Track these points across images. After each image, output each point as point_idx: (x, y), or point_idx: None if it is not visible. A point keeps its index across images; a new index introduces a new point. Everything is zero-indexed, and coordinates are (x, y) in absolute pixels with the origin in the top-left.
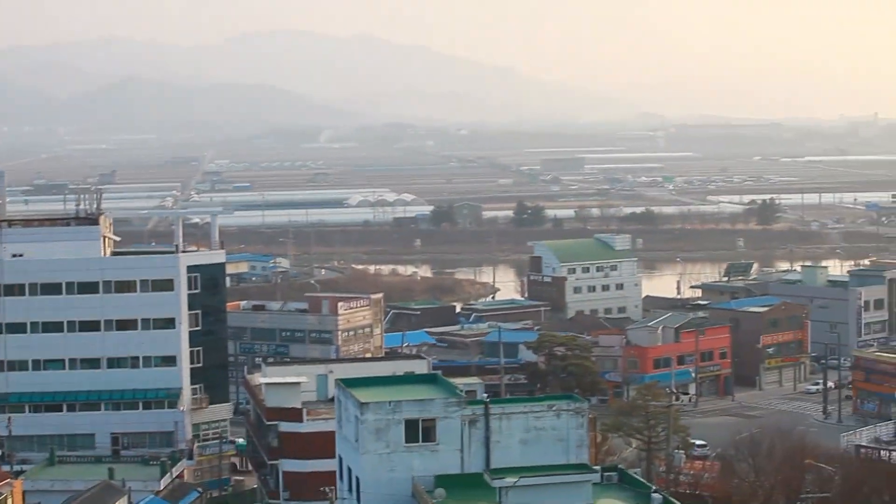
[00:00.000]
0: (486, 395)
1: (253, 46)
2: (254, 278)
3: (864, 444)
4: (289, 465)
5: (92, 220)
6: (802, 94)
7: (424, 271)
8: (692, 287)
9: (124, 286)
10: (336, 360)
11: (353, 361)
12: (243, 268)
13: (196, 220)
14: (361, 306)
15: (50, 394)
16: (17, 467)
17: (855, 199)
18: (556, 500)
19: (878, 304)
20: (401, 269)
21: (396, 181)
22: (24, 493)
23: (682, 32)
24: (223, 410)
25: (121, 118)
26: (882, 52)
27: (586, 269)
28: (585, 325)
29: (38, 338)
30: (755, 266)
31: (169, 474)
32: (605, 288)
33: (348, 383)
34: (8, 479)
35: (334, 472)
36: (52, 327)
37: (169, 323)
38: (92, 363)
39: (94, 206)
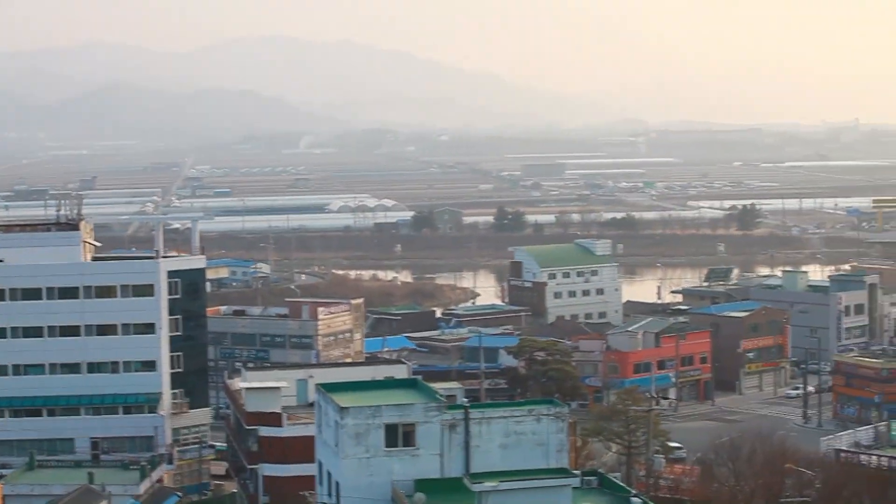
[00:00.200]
0: (466, 399)
1: (235, 52)
2: (234, 283)
3: (844, 448)
4: (269, 469)
5: (72, 225)
6: (783, 99)
7: (405, 276)
8: (673, 292)
9: (105, 291)
10: (316, 365)
11: (334, 366)
12: (224, 273)
13: (176, 225)
14: (342, 311)
15: (30, 398)
16: None
17: (836, 205)
18: None
19: (859, 309)
20: (381, 274)
21: (377, 186)
22: (3, 497)
23: (663, 38)
24: (203, 415)
25: (102, 124)
26: (863, 57)
27: (567, 275)
28: (566, 330)
29: (18, 343)
30: (736, 271)
31: (148, 479)
32: (586, 293)
33: (328, 388)
34: None
35: (314, 476)
36: (33, 332)
37: (149, 328)
38: (72, 368)
39: (75, 211)
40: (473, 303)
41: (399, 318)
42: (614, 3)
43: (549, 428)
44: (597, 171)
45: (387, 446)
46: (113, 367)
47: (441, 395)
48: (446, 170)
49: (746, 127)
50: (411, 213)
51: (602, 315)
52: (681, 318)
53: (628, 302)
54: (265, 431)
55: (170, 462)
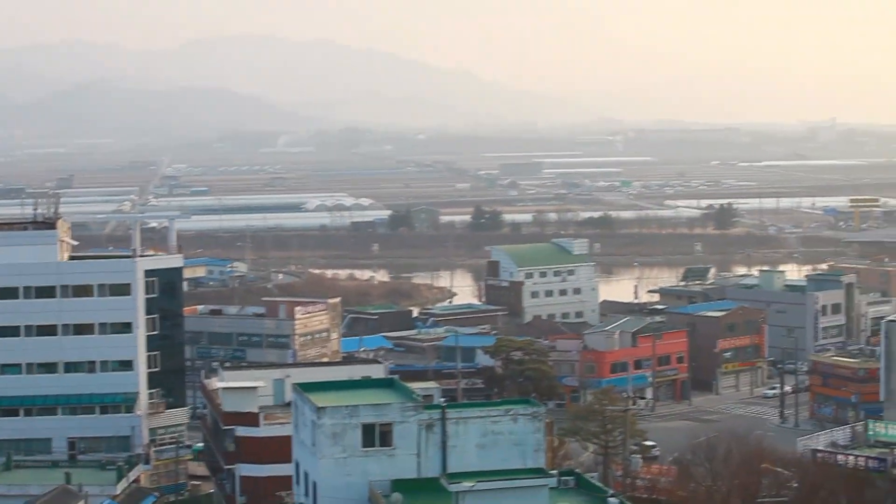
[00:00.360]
0: (442, 399)
1: (211, 51)
2: (211, 283)
3: (820, 448)
4: (246, 469)
5: (49, 224)
6: (760, 98)
7: (382, 276)
8: (649, 291)
9: (82, 290)
10: (293, 365)
11: (310, 366)
12: (201, 272)
13: (153, 224)
14: (318, 311)
15: (7, 398)
16: None
17: (813, 204)
18: None
19: (836, 309)
20: (358, 273)
21: (354, 185)
22: None
23: (640, 37)
24: (180, 415)
25: (79, 122)
26: (840, 56)
27: (543, 274)
28: (543, 329)
29: None
30: (713, 270)
31: (125, 479)
32: (563, 292)
33: (305, 388)
34: None
35: (291, 476)
36: (9, 332)
37: (126, 327)
38: (49, 367)
39: (52, 210)
40: (450, 302)
41: (376, 317)
42: (592, 3)
43: (525, 428)
44: (574, 170)
45: (363, 446)
46: (90, 366)
47: (418, 395)
48: (423, 169)
49: (723, 126)
50: (388, 212)
51: (579, 314)
52: (657, 318)
53: (605, 301)
54: (242, 431)
55: (147, 462)
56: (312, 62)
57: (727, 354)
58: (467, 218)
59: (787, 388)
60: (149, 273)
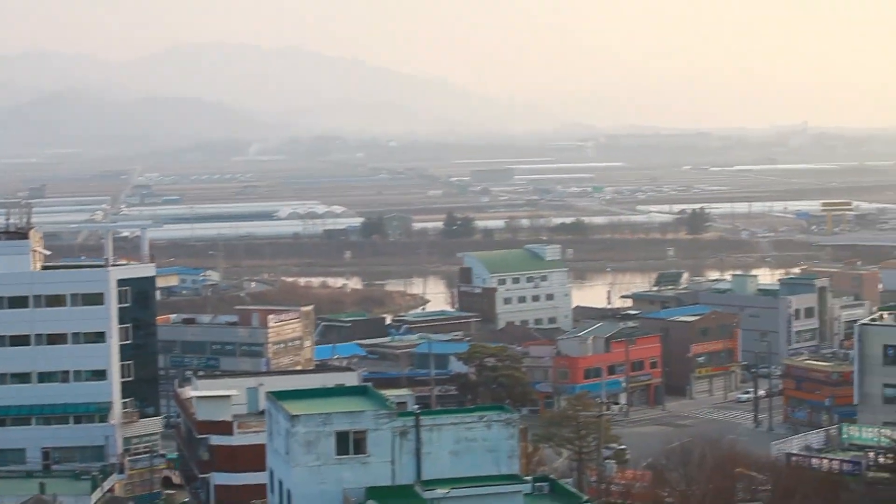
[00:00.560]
0: (416, 406)
1: (182, 60)
2: (184, 291)
3: (795, 452)
4: (220, 478)
5: (22, 234)
6: (732, 103)
7: (355, 283)
8: (622, 297)
9: (54, 300)
10: (266, 373)
11: (284, 374)
12: (173, 281)
13: (126, 233)
14: (291, 319)
15: None
16: None
17: (785, 208)
18: None
19: (809, 313)
20: (331, 281)
21: (326, 193)
22: None
23: (610, 42)
24: (154, 424)
25: (50, 132)
26: (811, 60)
27: (516, 280)
28: (516, 335)
29: None
30: (685, 275)
31: (100, 488)
32: (536, 298)
33: (279, 396)
34: None
35: (265, 484)
36: None
37: (99, 337)
38: (22, 378)
39: (24, 220)
40: (423, 309)
41: (349, 325)
42: (562, 9)
43: (499, 434)
44: (546, 176)
45: (338, 454)
46: (63, 376)
47: (391, 402)
48: (395, 176)
49: (695, 131)
50: (360, 220)
51: (552, 320)
52: (631, 323)
53: (578, 307)
54: (216, 440)
55: (121, 471)
56: (283, 70)
57: (700, 359)
58: (440, 225)
59: (761, 392)
60: (121, 282)
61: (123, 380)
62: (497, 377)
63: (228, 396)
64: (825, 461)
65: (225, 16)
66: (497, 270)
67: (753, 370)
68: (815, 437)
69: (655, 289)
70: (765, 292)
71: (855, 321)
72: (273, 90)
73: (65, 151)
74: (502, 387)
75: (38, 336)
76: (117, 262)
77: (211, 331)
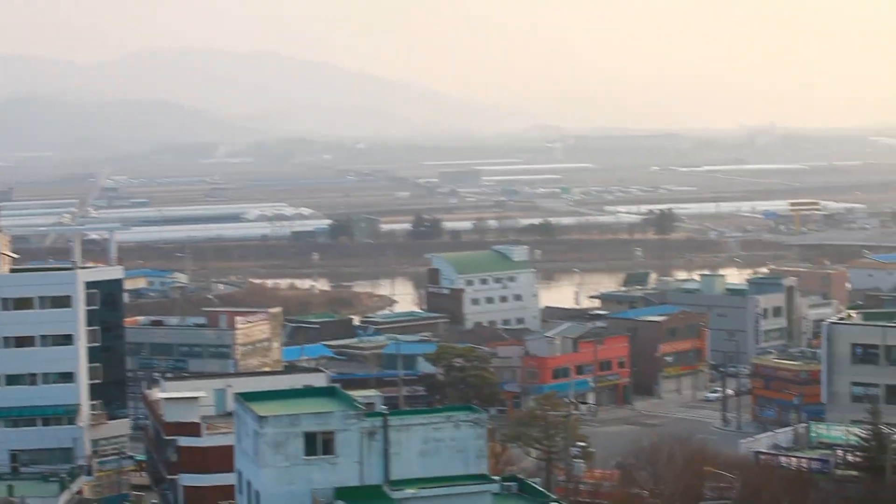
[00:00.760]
0: (384, 407)
1: (150, 62)
2: (152, 294)
3: (763, 450)
4: (188, 479)
5: None
6: (699, 103)
7: (322, 285)
8: (590, 297)
9: (22, 303)
10: (234, 375)
11: (252, 375)
12: (141, 283)
13: (94, 236)
14: (259, 320)
15: None
16: None
17: (753, 208)
18: None
19: (777, 312)
20: (299, 282)
21: (294, 195)
22: None
23: (578, 43)
24: (122, 426)
25: (17, 135)
26: (778, 61)
27: (484, 281)
28: (484, 336)
29: None
30: (653, 275)
31: (68, 490)
32: (504, 299)
33: (247, 397)
34: None
35: (234, 486)
36: None
37: (67, 339)
38: None
39: None
40: (391, 310)
41: (317, 326)
42: (528, 10)
43: (468, 434)
44: (513, 177)
45: (306, 455)
46: (31, 378)
47: (360, 403)
48: (363, 178)
49: (663, 132)
50: (328, 222)
51: (520, 321)
52: (599, 323)
53: (546, 307)
54: (184, 441)
55: (89, 473)
56: (251, 73)
57: (669, 359)
58: (407, 226)
59: (729, 392)
60: (89, 285)
61: (91, 382)
62: (465, 378)
63: (196, 398)
64: (794, 460)
65: (195, 19)
66: (465, 271)
67: (722, 369)
68: (784, 436)
69: (623, 289)
70: (733, 292)
71: (823, 320)
72: (241, 93)
73: (32, 154)
74: (470, 387)
75: (6, 339)
76: (85, 265)
77: (179, 333)
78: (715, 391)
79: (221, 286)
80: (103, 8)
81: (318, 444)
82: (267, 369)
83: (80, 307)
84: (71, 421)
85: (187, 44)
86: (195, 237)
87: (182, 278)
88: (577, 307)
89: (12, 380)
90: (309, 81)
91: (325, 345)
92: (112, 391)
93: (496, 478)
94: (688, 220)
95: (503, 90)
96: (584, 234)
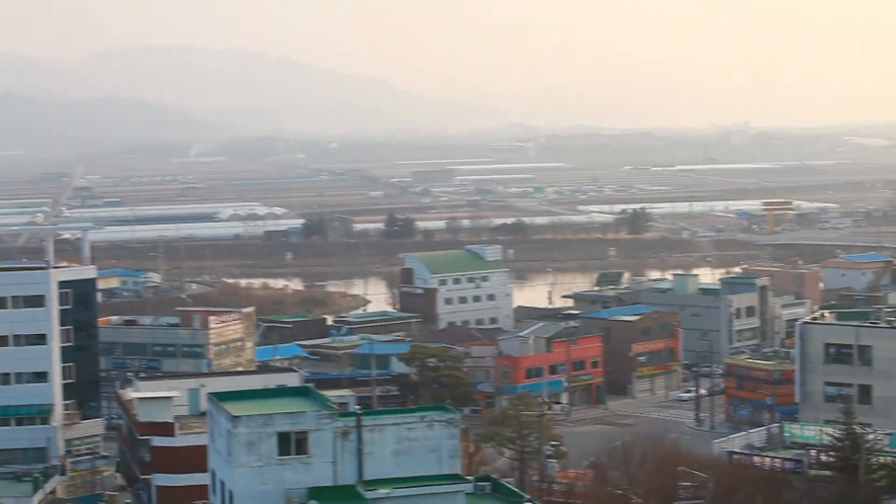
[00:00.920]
0: (358, 407)
1: (124, 61)
2: (125, 293)
3: (736, 450)
4: (162, 479)
5: None
6: (673, 103)
7: (296, 284)
8: (564, 297)
9: None
10: (208, 374)
11: (225, 375)
12: (114, 283)
13: (67, 235)
14: (233, 320)
15: None
16: None
17: (726, 207)
18: None
19: (750, 312)
20: (272, 282)
21: (267, 195)
22: None
23: (551, 43)
24: (95, 426)
25: None
26: (752, 60)
27: (457, 281)
28: (457, 336)
29: None
30: (626, 275)
31: (42, 490)
32: (477, 299)
33: (220, 397)
34: None
35: (208, 485)
36: None
37: (40, 339)
38: None
39: None
40: (364, 310)
41: (290, 326)
42: (503, 10)
43: (441, 434)
44: (486, 176)
45: (279, 454)
46: (4, 378)
47: (333, 403)
48: (336, 177)
49: (636, 131)
50: (301, 221)
51: (493, 320)
52: (572, 323)
53: (519, 307)
54: (158, 441)
55: (63, 473)
56: (225, 71)
57: (642, 358)
58: (380, 226)
59: (703, 391)
60: (63, 284)
61: (65, 381)
62: (438, 377)
63: (170, 398)
64: (767, 459)
65: (166, 18)
66: (438, 271)
67: (695, 369)
68: (757, 436)
69: (597, 288)
70: (706, 291)
71: (796, 320)
72: (214, 91)
73: (5, 153)
74: (444, 387)
75: None
76: (58, 265)
77: (152, 332)
78: (688, 391)
79: (195, 286)
80: (77, 6)
81: (292, 444)
82: (240, 369)
83: (54, 307)
84: (44, 420)
85: (161, 42)
86: (168, 237)
87: (155, 278)
88: (551, 307)
89: None
90: (282, 80)
91: (298, 344)
92: (85, 391)
93: (469, 478)
94: (661, 219)
95: (477, 89)
96: (557, 234)
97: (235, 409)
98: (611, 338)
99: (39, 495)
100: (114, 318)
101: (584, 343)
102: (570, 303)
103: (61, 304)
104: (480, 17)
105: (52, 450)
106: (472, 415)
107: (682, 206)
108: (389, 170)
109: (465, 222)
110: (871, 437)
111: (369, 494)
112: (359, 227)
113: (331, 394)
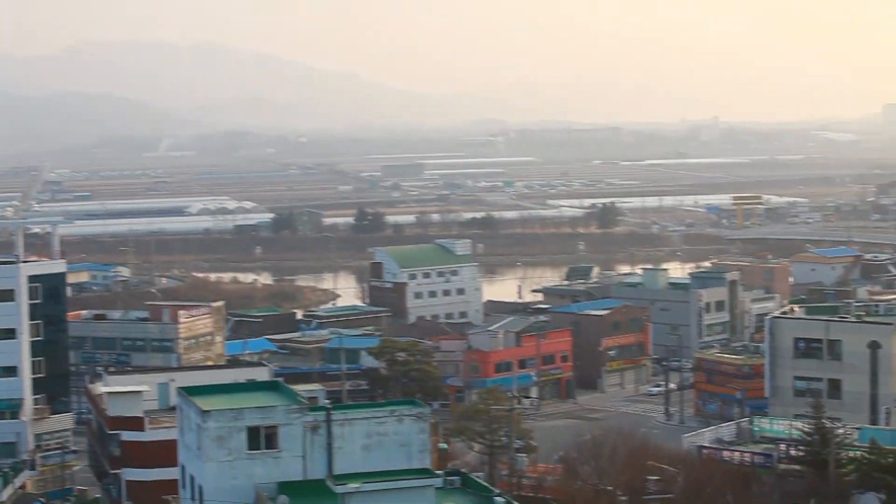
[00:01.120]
0: (327, 401)
1: (93, 55)
2: (95, 287)
3: (706, 444)
4: (131, 474)
5: None
6: (643, 97)
7: (265, 279)
8: (533, 291)
9: None
10: (177, 369)
11: (195, 370)
12: (84, 277)
13: (36, 229)
14: (202, 314)
15: None
16: None
17: (695, 202)
18: None
19: (719, 306)
20: (241, 276)
21: (237, 189)
22: None
23: (521, 38)
24: (65, 420)
25: None
26: (721, 55)
27: (427, 275)
28: (427, 330)
29: None
30: (596, 269)
31: (11, 485)
32: (446, 293)
33: (190, 391)
34: None
35: (177, 480)
36: None
37: (10, 333)
38: None
39: None
40: (334, 304)
41: (260, 320)
42: (471, 3)
43: (411, 428)
44: (456, 170)
45: (249, 449)
46: None
47: (303, 397)
48: (306, 171)
49: (606, 126)
50: (271, 215)
51: (463, 315)
52: (541, 317)
53: (489, 301)
54: (127, 436)
55: (32, 468)
56: (194, 65)
57: (612, 353)
58: (350, 220)
59: (672, 386)
60: (32, 279)
61: (34, 376)
62: (408, 372)
63: (139, 392)
64: (736, 454)
65: (136, 12)
66: (408, 265)
67: (664, 363)
68: (727, 430)
69: (566, 283)
70: (675, 286)
71: (766, 314)
72: (184, 86)
73: None
74: (413, 381)
75: None
76: (28, 259)
77: (122, 327)
78: (658, 385)
79: (164, 280)
80: (48, 1)
81: (262, 439)
82: (210, 363)
83: (23, 301)
84: (14, 415)
85: (130, 36)
86: (138, 231)
87: (125, 272)
88: (520, 301)
89: None
90: (252, 74)
91: (267, 339)
92: (55, 385)
93: (439, 472)
94: (630, 213)
95: (446, 83)
96: (526, 228)
97: (205, 403)
98: (580, 332)
99: (9, 490)
100: (83, 312)
101: (554, 337)
102: (539, 297)
103: (31, 299)
104: (450, 11)
105: (21, 445)
106: (441, 409)
107: (652, 201)
108: (359, 164)
109: (435, 216)
110: (840, 431)
111: (339, 489)
112: (328, 221)
113: (300, 388)
